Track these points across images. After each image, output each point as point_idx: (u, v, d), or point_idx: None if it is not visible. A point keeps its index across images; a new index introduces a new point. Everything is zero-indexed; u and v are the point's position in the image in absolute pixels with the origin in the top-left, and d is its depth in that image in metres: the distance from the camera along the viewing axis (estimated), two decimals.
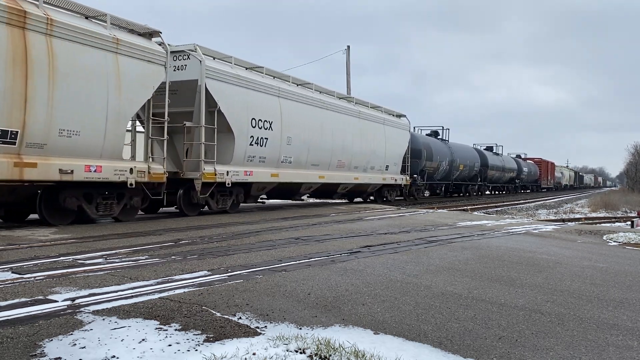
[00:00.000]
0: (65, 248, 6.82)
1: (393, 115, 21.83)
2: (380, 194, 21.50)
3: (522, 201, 35.51)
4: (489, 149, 42.88)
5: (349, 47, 31.10)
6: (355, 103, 18.89)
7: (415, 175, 24.75)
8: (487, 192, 43.24)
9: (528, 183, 54.98)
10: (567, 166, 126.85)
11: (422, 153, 26.32)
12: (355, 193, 20.54)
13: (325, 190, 18.11)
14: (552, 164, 66.79)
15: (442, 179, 30.92)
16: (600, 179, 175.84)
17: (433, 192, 32.44)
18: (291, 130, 14.56)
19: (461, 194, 35.76)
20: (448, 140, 33.00)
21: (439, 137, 32.76)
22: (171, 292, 4.57)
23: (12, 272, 5.20)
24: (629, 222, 20.30)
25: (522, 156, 56.84)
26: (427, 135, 31.89)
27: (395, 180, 21.61)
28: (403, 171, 22.47)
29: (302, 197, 18.58)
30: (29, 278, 4.96)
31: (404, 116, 22.65)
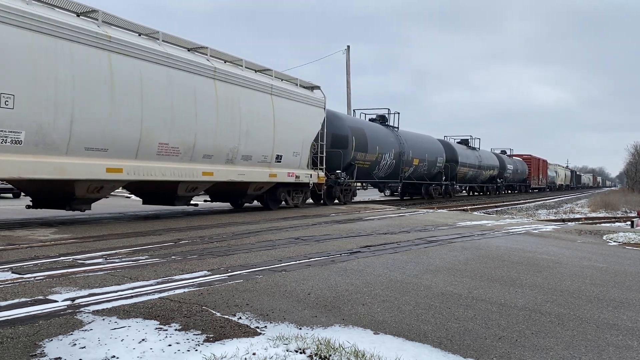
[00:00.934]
0: (65, 248, 6.82)
1: (296, 85, 15.24)
2: (274, 196, 14.78)
3: (522, 201, 35.47)
4: (464, 142, 36.11)
5: (348, 47, 31.11)
6: (211, 57, 12.07)
7: (338, 172, 17.95)
8: (463, 193, 38.56)
9: (514, 182, 48.26)
10: (567, 165, 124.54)
11: (349, 141, 18.87)
12: (226, 195, 14.09)
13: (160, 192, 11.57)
14: (544, 161, 60.09)
15: (387, 176, 23.47)
16: (599, 178, 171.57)
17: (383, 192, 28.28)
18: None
19: (420, 196, 28.68)
20: (398, 128, 24.94)
21: (386, 122, 24.62)
22: (171, 292, 4.58)
23: (12, 272, 5.20)
24: (629, 222, 20.30)
25: (508, 152, 48.96)
26: (371, 120, 24.30)
27: (296, 176, 14.92)
28: (316, 164, 16.20)
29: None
30: (29, 278, 4.96)
31: (318, 88, 16.24)
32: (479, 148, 37.45)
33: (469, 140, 36.90)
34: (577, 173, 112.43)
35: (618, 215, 25.02)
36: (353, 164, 19.32)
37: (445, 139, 32.52)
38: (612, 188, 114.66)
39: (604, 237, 11.21)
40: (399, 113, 24.88)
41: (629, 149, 76.57)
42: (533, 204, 34.64)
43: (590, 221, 20.29)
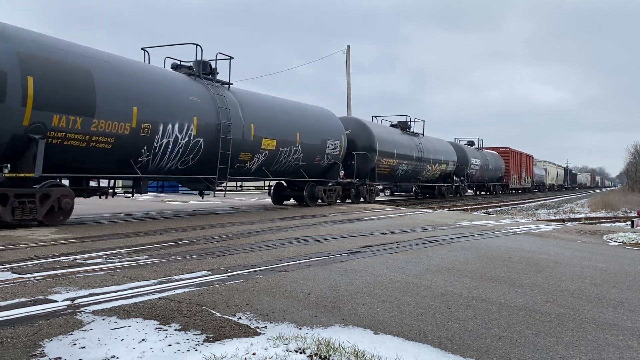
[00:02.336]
0: (65, 248, 6.82)
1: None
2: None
3: (522, 201, 35.46)
4: (403, 128, 24.51)
5: (348, 47, 31.11)
6: None
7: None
8: (386, 196, 30.84)
9: (485, 182, 37.54)
10: (567, 165, 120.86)
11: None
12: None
13: None
14: (529, 157, 49.99)
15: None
16: (598, 178, 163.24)
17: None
18: None
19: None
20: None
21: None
22: (171, 292, 4.58)
23: (12, 272, 5.20)
24: (629, 222, 20.31)
25: (479, 144, 37.11)
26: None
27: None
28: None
29: None
30: (29, 278, 4.96)
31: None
32: (421, 134, 26.09)
33: (412, 125, 25.06)
34: (573, 172, 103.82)
35: (618, 215, 25.03)
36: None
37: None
38: (612, 188, 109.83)
39: (604, 237, 11.21)
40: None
41: (629, 149, 75.18)
42: (533, 204, 34.64)
43: (590, 221, 20.29)
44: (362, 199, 20.00)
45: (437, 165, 26.82)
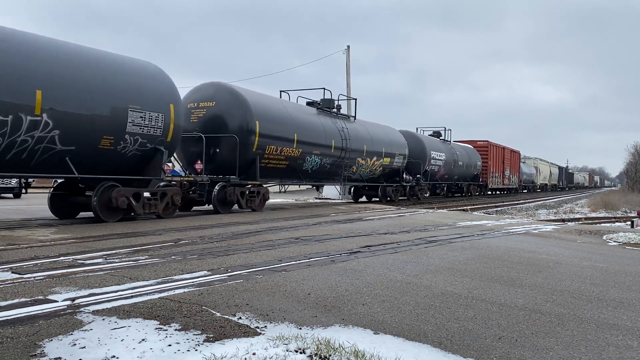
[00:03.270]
0: (65, 248, 6.83)
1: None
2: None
3: (522, 201, 35.46)
4: (323, 107, 18.47)
5: (348, 47, 31.11)
6: None
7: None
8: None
9: (453, 180, 30.27)
10: (567, 165, 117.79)
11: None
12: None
13: None
14: (515, 152, 43.00)
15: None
16: (597, 178, 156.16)
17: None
18: None
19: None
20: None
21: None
22: (171, 292, 4.58)
23: (12, 272, 5.20)
24: (629, 222, 20.31)
25: (447, 135, 30.56)
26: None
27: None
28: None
29: None
30: (29, 278, 4.96)
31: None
32: (353, 118, 20.34)
33: (334, 100, 19.11)
34: (569, 171, 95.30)
35: (618, 215, 25.02)
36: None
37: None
38: (612, 188, 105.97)
39: (604, 237, 11.21)
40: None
41: (629, 149, 74.37)
42: (533, 204, 34.65)
43: (590, 221, 20.29)
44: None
45: (375, 158, 20.59)
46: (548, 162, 66.91)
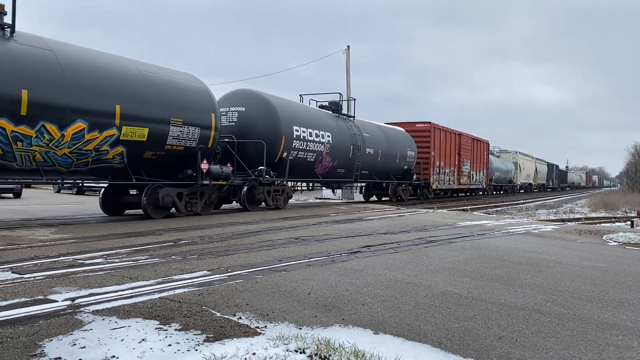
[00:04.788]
0: (65, 248, 6.83)
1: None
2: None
3: (521, 201, 35.42)
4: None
5: (348, 47, 31.10)
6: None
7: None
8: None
9: (355, 177, 19.31)
10: (566, 165, 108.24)
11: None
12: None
13: None
14: (479, 142, 32.89)
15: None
16: (595, 177, 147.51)
17: None
18: None
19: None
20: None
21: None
22: (171, 292, 4.58)
23: (12, 272, 5.20)
24: (629, 222, 20.31)
25: (350, 108, 21.36)
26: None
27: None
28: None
29: None
30: (29, 278, 4.96)
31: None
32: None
33: None
34: (561, 168, 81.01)
35: (618, 215, 25.02)
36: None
37: None
38: (612, 188, 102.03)
39: (604, 237, 11.21)
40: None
41: (629, 149, 73.36)
42: (533, 203, 34.63)
43: (590, 221, 20.29)
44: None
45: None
46: (533, 158, 55.43)
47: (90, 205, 13.68)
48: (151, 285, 4.85)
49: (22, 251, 6.49)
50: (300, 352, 3.19)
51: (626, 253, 8.88)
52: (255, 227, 10.05)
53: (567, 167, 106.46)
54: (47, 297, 4.30)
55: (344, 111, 20.04)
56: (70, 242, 7.37)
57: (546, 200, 42.02)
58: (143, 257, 6.29)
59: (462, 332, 3.85)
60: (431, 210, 17.52)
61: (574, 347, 3.64)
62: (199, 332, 3.56)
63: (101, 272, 5.33)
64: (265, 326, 3.74)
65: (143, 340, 3.36)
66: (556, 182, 70.03)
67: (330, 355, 3.15)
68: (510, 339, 3.75)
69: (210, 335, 3.49)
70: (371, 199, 23.70)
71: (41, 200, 18.63)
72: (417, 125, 25.67)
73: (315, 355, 3.15)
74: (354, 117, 19.77)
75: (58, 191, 24.89)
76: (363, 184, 22.65)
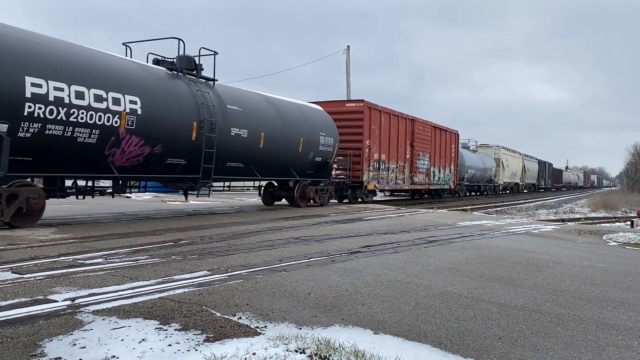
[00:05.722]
0: (65, 248, 6.82)
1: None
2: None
3: (521, 201, 35.39)
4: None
5: (348, 47, 31.11)
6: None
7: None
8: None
9: (174, 176, 11.92)
10: (567, 166, 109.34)
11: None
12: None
13: None
14: (446, 132, 27.71)
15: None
16: (594, 177, 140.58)
17: None
18: None
19: None
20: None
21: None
22: (171, 292, 4.58)
23: (12, 272, 5.20)
24: (629, 222, 20.31)
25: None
26: None
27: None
28: None
29: None
30: (29, 278, 4.96)
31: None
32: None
33: None
34: (556, 167, 72.73)
35: (618, 215, 25.02)
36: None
37: None
38: (612, 188, 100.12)
39: (604, 237, 11.22)
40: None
41: (629, 149, 72.80)
42: (533, 203, 34.61)
43: (590, 221, 20.30)
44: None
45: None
46: (521, 154, 49.42)
47: (90, 205, 13.68)
48: (151, 285, 4.85)
49: (22, 251, 6.49)
50: (300, 352, 3.19)
51: (626, 253, 8.88)
52: (255, 227, 10.05)
53: (567, 167, 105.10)
54: (47, 297, 4.30)
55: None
56: (70, 242, 7.37)
57: (546, 200, 42.03)
58: (143, 257, 6.29)
59: (462, 332, 3.85)
60: (431, 210, 17.54)
61: (574, 347, 3.64)
62: (199, 332, 3.56)
63: (101, 272, 5.33)
64: (265, 326, 3.74)
65: (143, 340, 3.36)
66: (549, 181, 64.32)
67: (330, 355, 3.15)
68: (510, 339, 3.75)
69: (210, 335, 3.49)
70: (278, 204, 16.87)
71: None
72: (348, 105, 19.67)
73: (315, 355, 3.15)
74: (214, 80, 12.71)
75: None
76: (264, 183, 16.16)
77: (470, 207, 23.41)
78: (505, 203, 31.08)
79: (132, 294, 4.47)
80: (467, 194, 36.24)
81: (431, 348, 3.48)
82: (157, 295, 4.44)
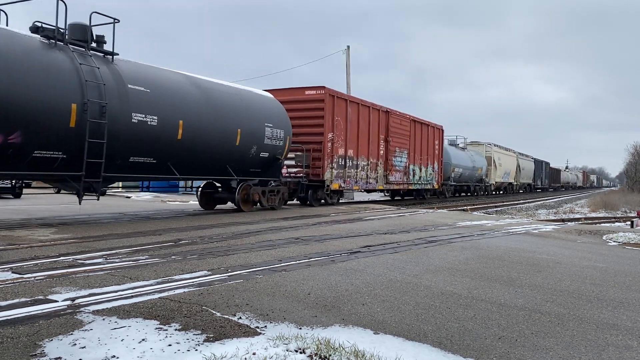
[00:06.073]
0: (65, 248, 6.83)
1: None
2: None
3: (521, 201, 35.40)
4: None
5: (348, 47, 31.12)
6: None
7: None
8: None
9: (42, 174, 9.34)
10: (567, 166, 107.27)
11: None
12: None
13: None
14: (430, 128, 25.35)
15: None
16: (593, 177, 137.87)
17: None
18: None
19: None
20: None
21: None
22: (171, 292, 4.58)
23: (12, 272, 5.20)
24: (629, 222, 20.30)
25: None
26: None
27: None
28: None
29: None
30: (29, 278, 4.96)
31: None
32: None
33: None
34: (552, 167, 69.54)
35: (618, 215, 25.02)
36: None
37: None
38: (612, 188, 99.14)
39: (604, 237, 11.22)
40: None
41: (629, 149, 72.64)
42: (533, 203, 34.62)
43: (590, 221, 20.29)
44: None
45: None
46: (515, 153, 46.27)
47: (90, 205, 13.68)
48: (151, 285, 4.85)
49: (22, 251, 6.49)
50: (300, 352, 3.19)
51: (626, 253, 8.88)
52: (255, 227, 10.05)
53: (567, 166, 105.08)
54: (47, 297, 4.30)
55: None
56: (70, 242, 7.37)
57: (545, 200, 42.03)
58: (143, 257, 6.29)
59: (462, 332, 3.85)
60: (431, 210, 17.54)
61: (574, 347, 3.64)
62: (199, 332, 3.56)
63: (101, 272, 5.33)
64: (265, 326, 3.75)
65: (143, 340, 3.36)
66: (546, 181, 61.26)
67: (330, 355, 3.15)
68: (510, 339, 3.75)
69: (210, 335, 3.49)
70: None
71: (41, 200, 18.63)
72: (308, 92, 16.78)
73: (315, 355, 3.15)
74: (113, 54, 10.24)
75: (58, 191, 24.83)
76: (201, 184, 14.46)
77: (470, 207, 23.43)
78: (505, 203, 31.09)
79: (132, 294, 4.47)
80: (456, 194, 33.95)
81: (431, 348, 3.48)
82: (157, 295, 4.44)
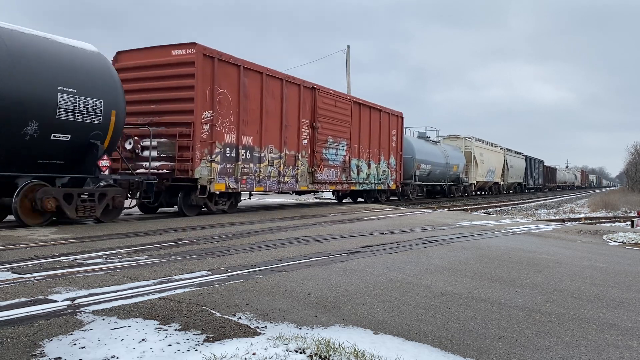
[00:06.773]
0: (65, 248, 6.82)
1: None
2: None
3: (522, 201, 35.38)
4: None
5: (348, 47, 31.11)
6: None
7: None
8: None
9: None
10: (567, 165, 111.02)
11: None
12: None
13: None
14: (384, 114, 19.89)
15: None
16: (592, 176, 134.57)
17: None
18: None
19: None
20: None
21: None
22: (171, 292, 4.57)
23: (12, 272, 5.20)
24: (629, 222, 20.30)
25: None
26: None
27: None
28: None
29: None
30: (29, 278, 4.96)
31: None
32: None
33: None
34: (547, 165, 64.02)
35: (618, 215, 25.02)
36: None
37: None
38: (612, 188, 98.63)
39: (604, 237, 11.22)
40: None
41: (629, 149, 72.48)
42: (533, 203, 34.62)
43: (590, 221, 20.29)
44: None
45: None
46: (502, 148, 40.52)
47: None
48: (151, 285, 4.85)
49: (22, 251, 6.49)
50: (300, 352, 3.19)
51: (626, 253, 8.88)
52: (255, 227, 10.05)
53: (567, 166, 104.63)
54: (47, 297, 4.29)
55: None
56: (70, 242, 7.37)
57: (545, 200, 42.02)
58: (143, 257, 6.29)
59: (462, 332, 3.85)
60: (431, 210, 17.54)
61: (574, 347, 3.64)
62: (199, 332, 3.55)
63: (101, 272, 5.32)
64: (265, 326, 3.74)
65: (143, 340, 3.36)
66: (540, 181, 55.76)
67: (330, 355, 3.15)
68: (510, 339, 3.75)
69: (210, 335, 3.49)
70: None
71: None
72: (175, 52, 11.91)
73: (315, 355, 3.15)
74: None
75: None
76: None
77: (470, 207, 23.43)
78: (505, 203, 31.09)
79: (132, 294, 4.47)
80: (429, 196, 29.27)
81: (431, 348, 3.48)
82: (157, 295, 4.44)
